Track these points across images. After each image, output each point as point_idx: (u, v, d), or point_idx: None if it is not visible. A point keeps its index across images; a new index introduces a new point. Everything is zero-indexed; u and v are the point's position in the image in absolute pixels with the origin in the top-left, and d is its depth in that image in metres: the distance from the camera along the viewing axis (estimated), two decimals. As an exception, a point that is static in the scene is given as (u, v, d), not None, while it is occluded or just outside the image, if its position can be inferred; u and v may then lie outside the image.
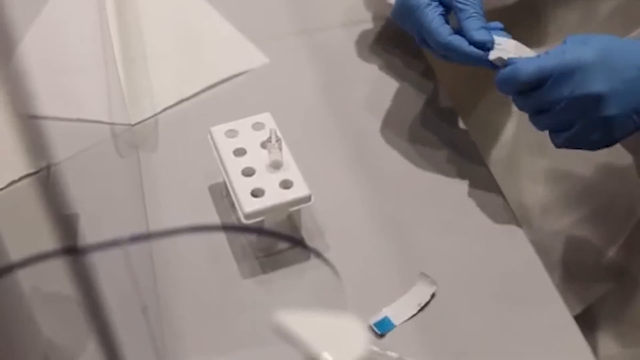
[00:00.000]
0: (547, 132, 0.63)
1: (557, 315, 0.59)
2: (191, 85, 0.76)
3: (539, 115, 0.60)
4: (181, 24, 0.83)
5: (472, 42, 0.62)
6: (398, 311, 0.58)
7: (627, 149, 0.66)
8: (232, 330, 0.57)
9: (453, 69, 0.67)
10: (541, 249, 0.65)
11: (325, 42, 0.81)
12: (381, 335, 0.57)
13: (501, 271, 0.62)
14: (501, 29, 0.64)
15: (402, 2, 0.66)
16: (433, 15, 0.63)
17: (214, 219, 0.65)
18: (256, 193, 0.59)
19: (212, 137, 0.63)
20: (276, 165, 0.60)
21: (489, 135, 0.86)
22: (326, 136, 0.72)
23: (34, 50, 0.76)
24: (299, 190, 0.59)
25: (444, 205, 0.66)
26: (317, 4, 0.85)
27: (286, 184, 0.59)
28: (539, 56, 0.60)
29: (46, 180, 0.29)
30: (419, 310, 0.58)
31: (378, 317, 0.57)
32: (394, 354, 0.55)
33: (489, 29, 0.63)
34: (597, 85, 0.56)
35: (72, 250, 0.27)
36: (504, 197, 0.67)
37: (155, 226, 0.63)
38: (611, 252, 0.79)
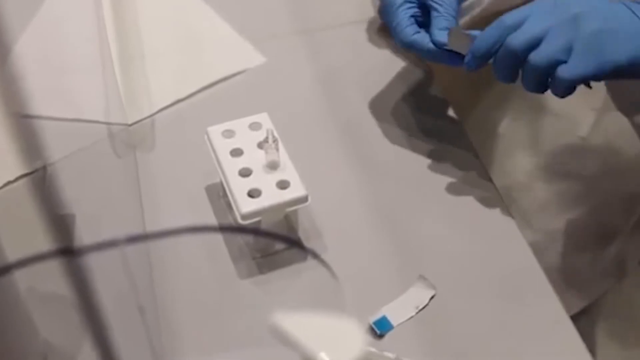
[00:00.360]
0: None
1: (555, 316, 0.59)
2: (188, 85, 0.76)
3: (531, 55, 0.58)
4: (178, 24, 0.83)
5: (432, 41, 0.64)
6: (396, 312, 0.58)
7: (621, 110, 0.64)
8: (229, 330, 0.57)
9: (451, 71, 0.67)
10: (539, 249, 0.65)
11: (322, 42, 0.81)
12: (380, 336, 0.57)
13: (499, 272, 0.62)
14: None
15: (382, 1, 0.68)
16: (402, 15, 0.66)
17: (211, 219, 0.65)
18: (253, 193, 0.58)
19: (208, 138, 0.63)
20: (273, 166, 0.60)
21: (487, 135, 0.86)
22: (323, 136, 0.72)
23: (30, 50, 0.76)
24: (296, 190, 0.59)
25: (442, 205, 0.66)
26: (315, 4, 0.85)
27: (283, 185, 0.59)
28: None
29: (42, 181, 0.29)
30: (417, 312, 0.58)
31: (376, 317, 0.57)
32: (391, 355, 0.55)
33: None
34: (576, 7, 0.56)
35: (68, 251, 0.26)
36: (501, 197, 0.67)
37: (152, 226, 0.63)
38: (609, 252, 0.79)
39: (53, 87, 0.73)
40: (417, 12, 0.66)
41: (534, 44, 0.57)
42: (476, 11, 0.76)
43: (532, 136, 0.82)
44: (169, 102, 0.74)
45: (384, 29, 0.81)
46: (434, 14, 0.65)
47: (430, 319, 0.58)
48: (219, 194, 0.66)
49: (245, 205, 0.57)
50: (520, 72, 0.59)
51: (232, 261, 0.61)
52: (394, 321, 0.57)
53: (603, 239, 0.79)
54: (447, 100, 0.76)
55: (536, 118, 0.81)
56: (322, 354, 0.36)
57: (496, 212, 0.66)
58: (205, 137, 0.63)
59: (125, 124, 0.72)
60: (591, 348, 0.59)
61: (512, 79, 0.60)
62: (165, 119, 0.73)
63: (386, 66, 0.78)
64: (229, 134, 0.63)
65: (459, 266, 0.62)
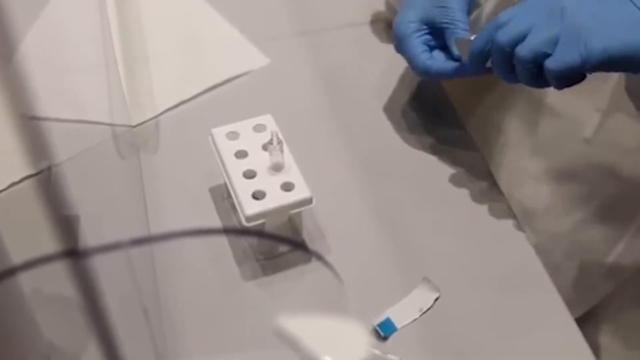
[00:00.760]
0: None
1: (559, 318, 0.59)
2: (192, 87, 0.76)
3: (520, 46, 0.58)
4: (182, 26, 0.83)
5: (453, 56, 0.65)
6: (400, 314, 0.58)
7: (631, 98, 0.64)
8: (233, 332, 0.57)
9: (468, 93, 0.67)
10: (543, 251, 0.65)
11: (326, 44, 0.81)
12: (383, 338, 0.57)
13: (503, 274, 0.61)
14: None
15: (394, 35, 0.68)
16: (414, 43, 0.67)
17: (215, 220, 0.65)
18: (257, 195, 0.58)
19: (213, 139, 0.63)
20: (277, 168, 0.60)
21: (490, 136, 0.86)
22: (327, 138, 0.71)
23: (34, 50, 0.76)
24: (300, 192, 0.59)
25: (446, 207, 0.66)
26: (318, 6, 0.85)
27: (287, 187, 0.59)
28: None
29: (47, 182, 0.29)
30: (421, 315, 0.58)
31: (380, 319, 0.57)
32: (395, 357, 0.55)
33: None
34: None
35: (74, 253, 0.26)
36: (505, 199, 0.67)
37: (156, 228, 0.63)
38: (613, 254, 0.79)
39: (57, 88, 0.73)
40: (428, 38, 0.67)
41: (520, 39, 0.57)
42: (482, 22, 0.76)
43: (536, 137, 0.82)
44: (173, 104, 0.74)
45: (388, 30, 0.81)
46: (447, 33, 0.66)
47: (434, 321, 0.58)
48: (223, 196, 0.66)
49: (249, 207, 0.57)
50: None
51: (236, 263, 0.61)
52: (398, 323, 0.57)
53: (607, 241, 0.79)
54: (451, 100, 0.76)
55: (540, 119, 0.81)
56: (327, 357, 0.36)
57: (500, 214, 0.66)
58: (210, 138, 0.63)
59: (129, 125, 0.72)
60: (595, 349, 0.59)
61: (511, 76, 0.60)
62: (169, 121, 0.73)
63: (389, 67, 0.78)
64: (233, 135, 0.63)
65: (462, 268, 0.62)
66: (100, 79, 0.75)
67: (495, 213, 0.66)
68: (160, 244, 0.62)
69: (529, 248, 0.63)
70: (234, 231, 0.64)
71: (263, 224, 0.58)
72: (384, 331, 0.57)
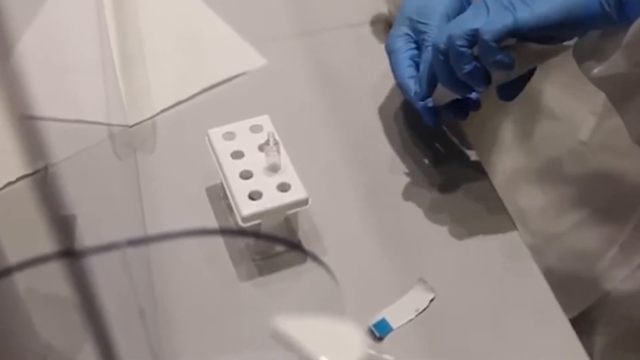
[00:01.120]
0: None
1: (554, 320, 0.59)
2: (189, 87, 0.76)
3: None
4: (179, 26, 0.83)
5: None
6: (395, 314, 0.58)
7: (610, 99, 0.63)
8: (229, 333, 0.57)
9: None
10: (537, 252, 0.65)
11: (324, 44, 0.81)
12: (379, 339, 0.57)
13: (498, 275, 0.62)
14: None
15: (387, 50, 0.69)
16: (401, 57, 0.67)
17: (211, 221, 0.65)
18: (253, 196, 0.59)
19: (209, 140, 0.63)
20: (274, 168, 0.60)
21: (486, 138, 0.86)
22: (324, 139, 0.72)
23: (31, 50, 0.76)
24: (297, 193, 0.59)
25: (442, 209, 0.66)
26: (316, 6, 0.85)
27: (284, 187, 0.59)
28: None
29: (43, 182, 0.29)
30: (417, 315, 0.58)
31: (375, 319, 0.57)
32: (390, 358, 0.55)
33: None
34: None
35: (70, 253, 0.27)
36: (501, 201, 0.67)
37: (152, 228, 0.63)
38: (608, 256, 0.79)
39: (54, 88, 0.73)
40: (415, 53, 0.68)
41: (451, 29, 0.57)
42: None
43: (531, 139, 0.82)
44: (169, 104, 0.74)
45: (386, 30, 0.81)
46: (422, 49, 0.66)
47: (429, 322, 0.58)
48: (219, 196, 0.66)
49: (245, 208, 0.58)
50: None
51: (232, 263, 0.61)
52: (393, 324, 0.58)
53: (602, 243, 0.79)
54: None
55: (536, 121, 0.81)
56: (323, 358, 0.36)
57: (496, 215, 0.66)
58: (206, 139, 0.63)
59: (126, 125, 0.72)
60: (590, 351, 0.59)
61: (454, 79, 0.59)
62: (166, 121, 0.73)
63: (387, 68, 0.78)
64: (229, 136, 0.63)
65: (458, 269, 0.62)
66: (97, 78, 0.75)
67: (490, 214, 0.66)
68: (156, 244, 0.62)
69: (524, 249, 0.63)
70: (230, 231, 0.64)
71: (259, 224, 0.58)
72: (379, 331, 0.57)
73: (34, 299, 0.54)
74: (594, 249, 0.80)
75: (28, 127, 0.26)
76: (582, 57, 0.57)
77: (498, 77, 0.59)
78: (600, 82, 0.57)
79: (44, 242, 0.30)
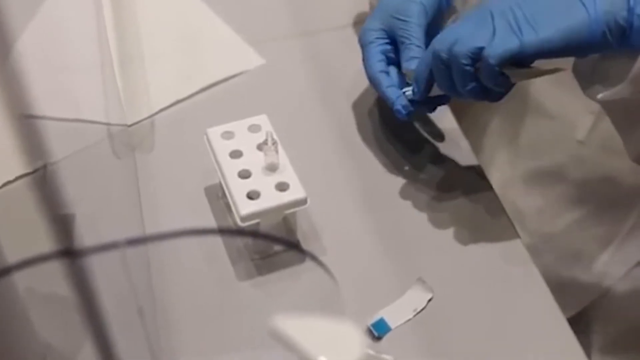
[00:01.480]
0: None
1: (552, 319, 0.59)
2: (187, 86, 0.76)
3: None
4: (178, 25, 0.83)
5: (402, 69, 0.66)
6: (394, 314, 0.58)
7: (614, 123, 0.64)
8: (228, 332, 0.57)
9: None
10: (535, 252, 0.65)
11: (322, 44, 0.81)
12: (377, 338, 0.57)
13: (496, 274, 0.62)
14: None
15: (359, 38, 0.70)
16: (373, 50, 0.68)
17: (210, 220, 0.65)
18: (252, 195, 0.59)
19: (208, 139, 0.63)
20: (272, 168, 0.60)
21: (483, 136, 0.86)
22: (322, 138, 0.72)
23: (30, 49, 0.76)
24: (295, 192, 0.59)
25: (440, 208, 0.66)
26: (314, 6, 0.85)
27: (282, 187, 0.59)
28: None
29: (42, 181, 0.29)
30: (415, 315, 0.58)
31: (374, 319, 0.57)
32: (389, 357, 0.55)
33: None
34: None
35: (69, 252, 0.27)
36: (499, 201, 0.67)
37: (151, 227, 0.63)
38: (605, 255, 0.80)
39: (52, 87, 0.73)
40: (389, 48, 0.68)
41: (456, 43, 0.57)
42: None
43: (529, 139, 0.82)
44: (168, 103, 0.74)
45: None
46: (401, 46, 0.67)
47: (428, 322, 0.58)
48: (218, 195, 0.66)
49: (244, 207, 0.58)
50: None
51: (230, 263, 0.61)
52: (391, 323, 0.58)
53: (599, 243, 0.80)
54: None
55: (533, 120, 0.81)
56: (322, 358, 0.36)
57: (494, 215, 0.66)
58: (205, 138, 0.63)
59: (125, 124, 0.72)
60: (587, 350, 0.59)
61: (452, 86, 0.60)
62: (164, 120, 0.73)
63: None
64: (228, 135, 0.63)
65: (456, 269, 0.62)
66: (95, 78, 0.75)
67: (489, 214, 0.66)
68: (155, 243, 0.62)
69: (522, 249, 0.64)
70: (229, 231, 0.64)
71: (258, 223, 0.58)
72: (378, 331, 0.57)
73: (33, 299, 0.54)
74: (591, 248, 0.80)
75: (27, 126, 0.26)
76: (584, 79, 0.58)
77: None
78: (604, 104, 0.58)
79: (43, 242, 0.30)
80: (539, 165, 0.82)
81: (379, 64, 0.67)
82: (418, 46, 0.66)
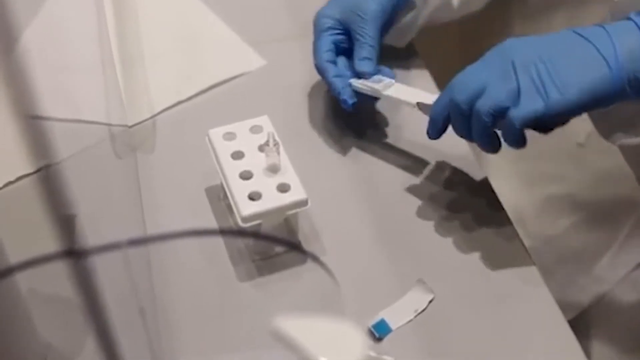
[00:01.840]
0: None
1: (552, 321, 0.59)
2: (189, 87, 0.76)
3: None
4: (179, 26, 0.83)
5: (356, 70, 0.68)
6: (395, 315, 0.58)
7: (628, 161, 0.66)
8: (229, 332, 0.57)
9: (450, 75, 0.67)
10: (535, 254, 0.65)
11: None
12: (378, 339, 0.57)
13: (497, 275, 0.62)
14: (391, 75, 0.69)
15: (314, 23, 0.71)
16: (324, 39, 0.69)
17: (211, 221, 0.65)
18: (253, 196, 0.59)
19: (210, 140, 0.63)
20: (274, 169, 0.60)
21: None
22: (323, 140, 0.72)
23: (31, 50, 0.76)
24: (296, 194, 0.59)
25: (441, 210, 0.66)
26: (315, 7, 0.85)
27: (283, 188, 0.59)
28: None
29: (43, 182, 0.29)
30: (416, 316, 0.58)
31: (374, 320, 0.57)
32: (389, 359, 0.55)
33: (375, 63, 0.68)
34: (524, 52, 0.56)
35: (72, 253, 0.27)
36: (500, 202, 0.67)
37: (152, 228, 0.63)
38: (604, 258, 0.80)
39: (54, 87, 0.73)
40: (341, 38, 0.70)
41: (477, 95, 0.56)
42: (414, 28, 0.77)
43: (529, 141, 0.82)
44: (169, 104, 0.74)
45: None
46: (356, 43, 0.68)
47: (428, 323, 0.58)
48: (219, 196, 0.66)
49: (245, 208, 0.58)
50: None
51: (231, 264, 0.61)
52: (392, 324, 0.58)
53: (598, 245, 0.80)
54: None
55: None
56: (323, 358, 0.36)
57: (494, 217, 0.66)
58: (207, 139, 0.63)
59: (126, 125, 0.72)
60: (586, 352, 0.59)
61: (468, 134, 0.59)
62: (166, 121, 0.73)
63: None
64: (230, 136, 0.63)
65: (457, 270, 0.62)
66: (97, 78, 0.75)
67: (489, 215, 0.66)
68: (156, 244, 0.62)
69: (522, 250, 0.64)
70: (230, 232, 0.64)
71: (259, 224, 0.59)
72: (378, 332, 0.57)
73: (34, 299, 0.54)
74: (591, 250, 0.80)
75: (27, 127, 0.26)
76: (600, 123, 0.62)
77: None
78: (623, 148, 0.60)
79: (43, 242, 0.30)
80: (539, 168, 0.82)
81: (327, 54, 0.69)
82: (371, 46, 0.68)
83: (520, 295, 0.61)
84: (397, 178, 0.69)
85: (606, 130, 0.63)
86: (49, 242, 0.29)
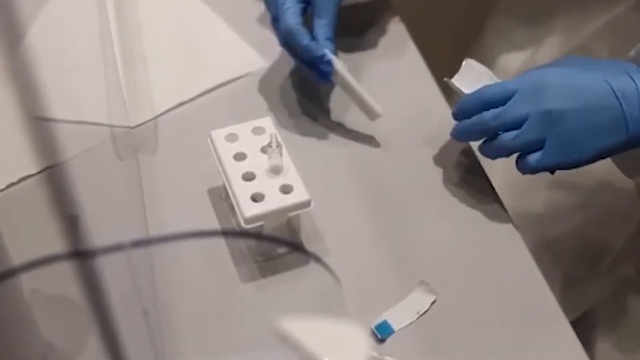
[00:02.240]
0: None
1: (555, 323, 0.59)
2: (191, 88, 0.76)
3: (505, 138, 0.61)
4: (181, 27, 0.83)
5: (322, 51, 0.66)
6: (397, 316, 0.58)
7: (624, 173, 0.67)
8: (231, 334, 0.57)
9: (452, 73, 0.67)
10: (538, 256, 0.65)
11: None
12: (381, 341, 0.57)
13: (499, 277, 0.62)
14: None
15: None
16: (293, 4, 0.67)
17: (213, 222, 0.65)
18: (256, 197, 0.59)
19: (212, 141, 0.63)
20: (276, 170, 0.60)
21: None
22: (326, 141, 0.72)
23: (33, 51, 0.76)
24: (299, 195, 0.59)
25: (443, 211, 0.66)
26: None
27: (286, 189, 0.59)
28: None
29: (48, 182, 0.29)
30: (418, 317, 0.58)
31: (377, 321, 0.57)
32: (392, 360, 0.55)
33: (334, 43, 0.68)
34: (560, 102, 0.59)
35: (78, 254, 0.27)
36: (502, 205, 0.67)
37: (154, 229, 0.63)
38: (607, 261, 0.80)
39: (55, 88, 0.73)
40: (303, 7, 0.68)
41: (510, 127, 0.60)
42: None
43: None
44: (171, 105, 0.74)
45: (385, 32, 0.82)
46: (317, 21, 0.67)
47: (430, 324, 0.58)
48: (221, 197, 0.66)
49: (248, 209, 0.58)
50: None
51: (234, 265, 0.61)
52: (395, 326, 0.58)
53: (599, 250, 0.80)
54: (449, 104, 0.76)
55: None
56: (326, 359, 0.36)
57: (497, 218, 0.66)
58: (209, 140, 0.64)
59: (128, 126, 0.72)
60: (590, 353, 0.59)
61: (470, 140, 0.66)
62: (168, 122, 0.73)
63: (389, 70, 0.78)
64: (232, 137, 0.63)
65: (459, 271, 0.62)
66: (99, 79, 0.75)
67: (492, 217, 0.66)
68: (158, 245, 0.62)
69: (525, 252, 0.64)
70: (232, 233, 0.64)
71: (261, 225, 0.59)
72: (381, 333, 0.57)
73: (35, 299, 0.54)
74: (594, 252, 0.80)
75: (34, 127, 0.26)
76: (627, 170, 0.66)
77: None
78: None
79: (45, 243, 0.30)
80: (541, 174, 0.82)
81: (298, 17, 0.67)
82: (332, 24, 0.68)
83: (522, 296, 0.61)
84: (400, 180, 0.69)
85: (629, 171, 0.68)
86: (50, 243, 0.29)
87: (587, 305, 0.81)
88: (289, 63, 0.79)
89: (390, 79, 0.77)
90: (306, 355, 0.36)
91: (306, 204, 0.59)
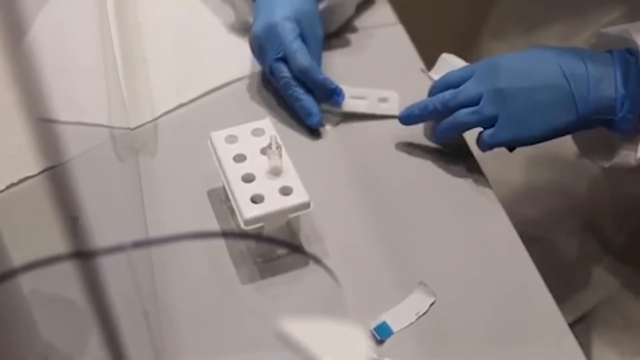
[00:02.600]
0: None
1: (553, 324, 0.59)
2: (191, 90, 0.76)
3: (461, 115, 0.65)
4: (181, 29, 0.83)
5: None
6: (396, 318, 0.58)
7: (582, 153, 0.71)
8: (231, 335, 0.57)
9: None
10: (536, 258, 0.65)
11: (325, 48, 0.81)
12: (380, 342, 0.57)
13: (498, 279, 0.62)
14: None
15: (266, 23, 0.71)
16: (299, 41, 0.70)
17: (213, 223, 0.65)
18: (256, 199, 0.59)
19: (212, 143, 0.63)
20: (276, 172, 0.60)
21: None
22: (325, 142, 0.72)
23: (33, 52, 0.76)
24: (299, 196, 0.59)
25: (444, 214, 0.66)
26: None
27: (286, 191, 0.59)
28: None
29: (50, 183, 0.30)
30: (417, 319, 0.59)
31: (376, 323, 0.57)
32: (391, 361, 0.55)
33: None
34: (511, 81, 0.63)
35: (80, 254, 0.27)
36: (502, 208, 0.67)
37: (154, 230, 0.63)
38: (603, 264, 0.80)
39: (56, 90, 0.73)
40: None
41: (466, 104, 0.65)
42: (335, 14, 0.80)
43: (527, 151, 0.82)
44: (171, 107, 0.74)
45: (387, 34, 0.82)
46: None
47: (430, 325, 0.58)
48: (221, 199, 0.66)
49: (248, 211, 0.58)
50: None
51: (234, 266, 0.61)
52: (394, 327, 0.58)
53: (597, 252, 0.80)
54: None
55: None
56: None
57: (496, 220, 0.66)
58: (209, 142, 0.64)
59: (128, 127, 0.72)
60: (588, 355, 0.59)
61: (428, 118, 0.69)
62: (168, 123, 0.73)
63: (389, 71, 0.78)
64: (232, 139, 0.63)
65: (458, 273, 0.62)
66: (99, 81, 0.76)
67: (491, 220, 0.66)
68: (158, 246, 0.62)
69: (524, 254, 0.64)
70: (232, 234, 0.65)
71: (261, 227, 0.59)
72: (380, 335, 0.57)
73: (35, 300, 0.54)
74: (588, 257, 0.80)
75: (36, 128, 0.26)
76: (587, 152, 0.69)
77: None
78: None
79: (45, 243, 0.30)
80: (538, 177, 0.82)
81: (308, 56, 0.70)
82: (318, 59, 0.72)
83: (521, 298, 0.61)
84: (399, 181, 0.69)
85: (585, 151, 0.70)
86: (50, 243, 0.30)
87: (584, 309, 0.81)
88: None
89: (389, 79, 0.77)
90: (306, 357, 0.36)
91: (306, 206, 0.59)
